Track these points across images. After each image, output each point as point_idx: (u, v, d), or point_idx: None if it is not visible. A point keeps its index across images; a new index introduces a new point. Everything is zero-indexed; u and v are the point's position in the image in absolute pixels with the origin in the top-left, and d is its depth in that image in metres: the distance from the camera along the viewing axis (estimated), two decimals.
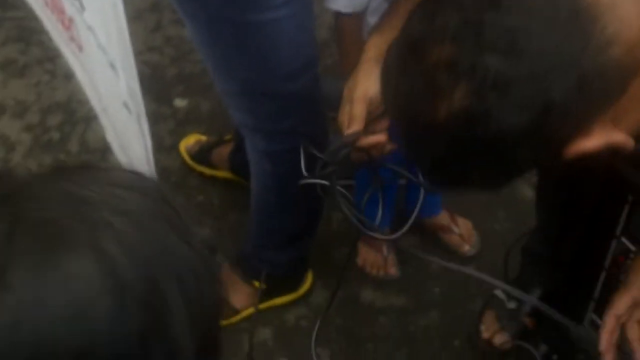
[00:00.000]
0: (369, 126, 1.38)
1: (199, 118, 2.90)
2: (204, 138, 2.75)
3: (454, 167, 1.03)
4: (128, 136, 1.90)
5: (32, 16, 2.47)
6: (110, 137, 2.14)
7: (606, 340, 1.44)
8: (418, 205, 1.45)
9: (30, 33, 3.14)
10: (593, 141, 0.97)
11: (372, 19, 1.96)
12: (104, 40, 1.74)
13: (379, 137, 1.36)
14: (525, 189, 2.66)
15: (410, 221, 1.42)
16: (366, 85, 1.36)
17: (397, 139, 1.37)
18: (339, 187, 1.36)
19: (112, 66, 1.73)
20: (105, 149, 2.68)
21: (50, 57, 3.05)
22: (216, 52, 1.78)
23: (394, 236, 1.37)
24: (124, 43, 1.59)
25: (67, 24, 1.98)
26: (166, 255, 0.72)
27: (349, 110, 1.38)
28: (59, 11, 1.99)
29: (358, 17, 1.95)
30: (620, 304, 1.43)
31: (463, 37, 0.94)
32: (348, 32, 1.97)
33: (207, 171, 2.66)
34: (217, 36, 1.72)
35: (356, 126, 1.36)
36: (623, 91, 0.96)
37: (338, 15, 1.94)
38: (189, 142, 2.73)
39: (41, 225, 0.68)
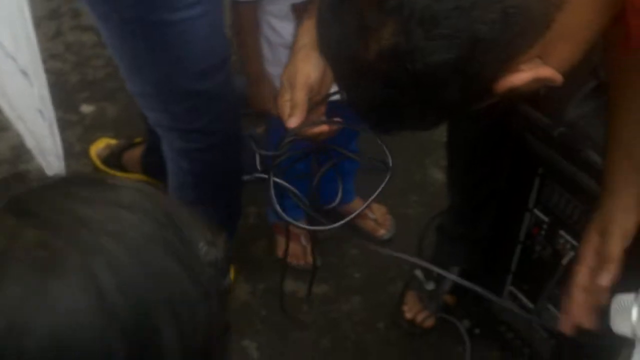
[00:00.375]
0: (310, 113, 1.38)
1: (107, 123, 2.88)
2: (113, 142, 2.74)
3: (388, 108, 1.04)
4: (44, 144, 1.89)
5: None
6: (30, 144, 2.12)
7: (578, 311, 1.47)
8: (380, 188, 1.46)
9: None
10: (521, 76, 1.00)
11: (270, 7, 1.99)
12: (12, 49, 1.72)
13: (323, 128, 1.36)
14: (435, 173, 2.72)
15: (361, 209, 1.44)
16: (306, 71, 1.35)
17: (337, 115, 1.39)
18: (280, 180, 1.36)
19: (24, 73, 1.71)
20: (15, 159, 2.66)
21: None
22: (129, 53, 1.78)
23: (340, 223, 1.38)
24: (33, 51, 1.58)
25: None
26: (160, 282, 0.71)
27: (290, 97, 1.38)
28: None
29: (254, 5, 1.98)
30: (580, 276, 1.46)
31: None
32: (245, 19, 1.99)
33: (119, 175, 2.64)
34: (130, 37, 1.71)
35: (299, 114, 1.36)
36: (547, 26, 0.98)
37: (235, 3, 1.95)
38: (99, 146, 2.73)
39: (36, 247, 0.68)
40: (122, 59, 1.82)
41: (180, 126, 1.90)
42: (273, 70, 2.11)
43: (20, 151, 2.64)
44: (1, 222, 0.70)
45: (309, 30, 1.36)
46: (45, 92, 1.64)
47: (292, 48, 1.42)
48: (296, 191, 1.37)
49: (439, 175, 2.69)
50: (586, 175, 1.64)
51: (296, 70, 1.36)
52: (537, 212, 1.86)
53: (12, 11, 1.59)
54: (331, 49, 1.07)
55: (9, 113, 2.17)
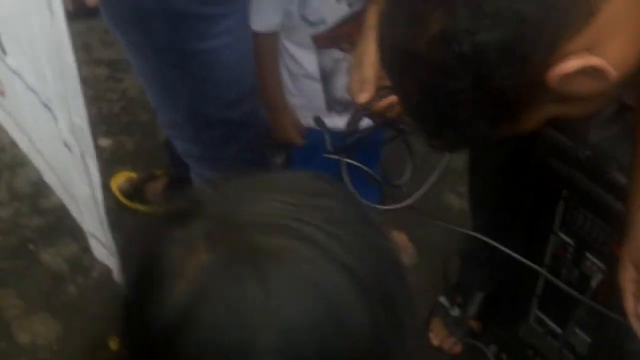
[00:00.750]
0: (380, 89, 1.40)
1: (125, 156, 2.90)
2: (133, 175, 2.75)
3: (444, 99, 1.05)
4: (70, 175, 1.88)
5: None
6: (49, 178, 2.11)
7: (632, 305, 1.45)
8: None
9: None
10: (571, 63, 0.99)
11: (290, 37, 2.00)
12: (33, 82, 1.72)
13: (392, 99, 1.37)
14: (452, 199, 2.73)
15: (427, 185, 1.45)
16: (373, 50, 1.38)
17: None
18: (351, 161, 1.39)
19: (46, 106, 1.71)
20: (35, 194, 2.67)
21: None
22: (160, 82, 1.79)
23: (410, 200, 1.40)
24: (72, 81, 1.58)
25: None
26: (378, 251, 0.75)
27: (359, 75, 1.40)
28: None
29: (274, 36, 2.00)
30: (630, 305, 1.44)
31: None
32: (265, 50, 2.00)
33: (141, 207, 2.66)
34: (162, 66, 1.73)
35: (368, 89, 1.38)
36: (592, 14, 0.98)
37: (255, 35, 1.97)
38: (119, 180, 2.73)
39: (278, 251, 0.71)
40: (153, 88, 1.83)
41: (210, 155, 1.91)
42: (294, 100, 2.13)
43: (40, 186, 2.65)
44: (233, 242, 0.73)
45: (374, 13, 1.39)
46: (82, 121, 1.63)
47: (362, 30, 1.46)
48: (368, 169, 1.39)
49: (455, 202, 2.70)
50: (612, 197, 1.64)
51: (365, 49, 1.40)
52: (562, 234, 1.86)
53: (35, 43, 1.60)
54: (385, 45, 1.10)
55: (26, 148, 2.17)
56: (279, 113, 2.11)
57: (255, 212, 0.74)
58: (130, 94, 3.12)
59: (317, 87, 2.07)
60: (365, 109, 1.39)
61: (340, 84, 2.04)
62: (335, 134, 1.98)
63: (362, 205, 0.81)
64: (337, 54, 2.01)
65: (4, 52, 1.74)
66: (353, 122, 1.40)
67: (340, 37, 1.96)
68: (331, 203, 0.76)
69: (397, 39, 1.05)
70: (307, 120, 2.16)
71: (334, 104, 2.10)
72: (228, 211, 0.75)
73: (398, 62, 1.08)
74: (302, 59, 2.04)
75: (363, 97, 1.37)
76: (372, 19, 1.42)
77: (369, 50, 1.39)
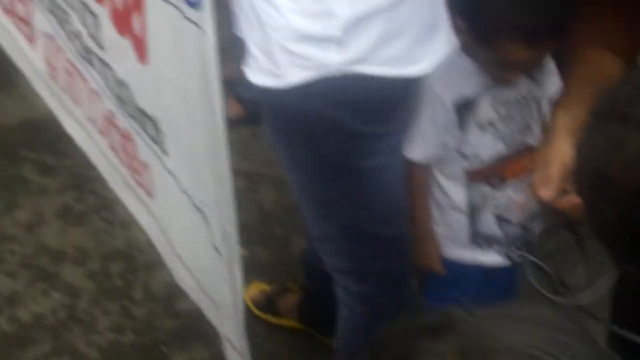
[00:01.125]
0: (564, 189, 1.42)
1: (260, 267, 2.91)
2: (266, 287, 2.77)
3: (638, 225, 1.06)
4: (213, 281, 1.92)
5: (84, 164, 2.53)
6: (183, 282, 2.15)
7: None
8: None
9: (84, 181, 3.16)
10: None
11: (441, 168, 2.02)
12: (188, 184, 1.78)
13: (576, 200, 1.39)
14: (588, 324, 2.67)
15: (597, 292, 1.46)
16: (563, 149, 1.40)
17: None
18: (535, 260, 1.40)
19: (199, 209, 1.76)
20: (170, 297, 2.71)
21: (106, 205, 3.08)
22: (320, 197, 1.84)
23: (585, 293, 1.40)
24: (226, 189, 1.64)
25: (138, 169, 2.01)
26: None
27: (544, 173, 1.42)
28: (130, 157, 2.02)
29: (428, 167, 2.02)
30: None
31: (634, 97, 1.03)
32: (417, 179, 2.01)
33: (273, 320, 2.68)
34: (324, 181, 1.78)
35: (552, 187, 1.40)
36: None
37: (409, 163, 1.97)
38: (252, 291, 2.75)
39: None
40: (310, 201, 1.88)
41: (359, 270, 1.94)
42: (438, 229, 2.14)
43: (174, 288, 2.69)
44: None
45: (562, 117, 1.41)
46: (232, 228, 1.69)
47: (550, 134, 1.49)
48: (544, 266, 1.39)
49: (590, 326, 2.64)
50: None
51: (552, 149, 1.42)
52: None
53: (196, 148, 1.67)
54: (582, 169, 1.12)
55: (164, 250, 2.22)
56: (425, 241, 2.12)
57: (505, 338, 0.76)
58: (266, 206, 3.17)
59: (462, 220, 2.08)
60: (546, 207, 1.40)
61: (486, 219, 2.06)
62: (477, 270, 1.99)
63: (600, 346, 0.82)
64: (486, 189, 2.02)
65: (165, 152, 1.80)
66: (534, 219, 1.41)
67: (492, 173, 1.98)
68: (574, 340, 0.78)
69: (594, 162, 1.08)
70: (447, 250, 2.17)
71: (478, 239, 2.10)
72: (480, 332, 0.77)
73: (595, 186, 1.10)
74: (450, 191, 2.05)
75: (546, 194, 1.38)
76: (559, 121, 1.45)
77: (558, 150, 1.41)
